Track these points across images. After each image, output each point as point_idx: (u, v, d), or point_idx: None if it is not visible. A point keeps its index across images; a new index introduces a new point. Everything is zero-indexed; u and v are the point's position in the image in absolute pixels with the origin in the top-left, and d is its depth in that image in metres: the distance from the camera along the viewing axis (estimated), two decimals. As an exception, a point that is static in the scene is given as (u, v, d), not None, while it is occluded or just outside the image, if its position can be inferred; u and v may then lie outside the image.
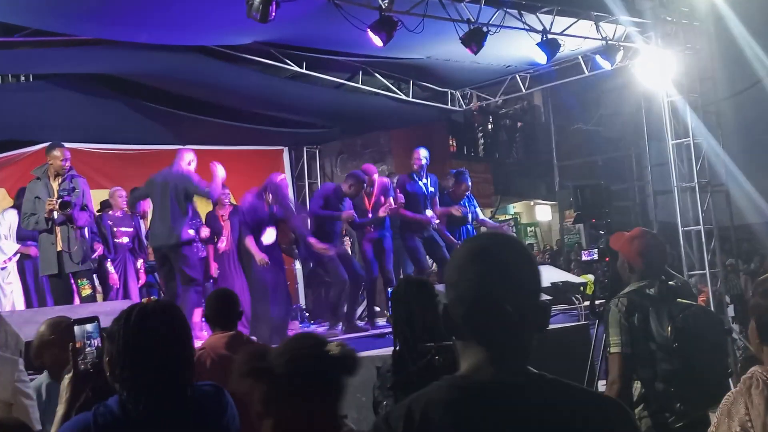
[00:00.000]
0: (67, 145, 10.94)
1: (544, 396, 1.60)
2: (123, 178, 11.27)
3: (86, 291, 7.85)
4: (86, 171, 10.13)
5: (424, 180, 9.93)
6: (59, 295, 7.84)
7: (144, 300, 2.46)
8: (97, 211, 9.91)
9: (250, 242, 8.72)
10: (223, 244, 9.85)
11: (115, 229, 9.67)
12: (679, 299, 3.74)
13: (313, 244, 8.88)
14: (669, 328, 3.62)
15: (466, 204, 10.46)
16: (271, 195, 8.84)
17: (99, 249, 9.31)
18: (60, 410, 2.53)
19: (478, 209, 10.71)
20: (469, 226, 10.51)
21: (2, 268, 9.33)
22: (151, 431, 2.29)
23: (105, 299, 9.48)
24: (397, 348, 3.76)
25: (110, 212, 9.82)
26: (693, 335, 3.61)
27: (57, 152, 7.89)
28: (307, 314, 11.43)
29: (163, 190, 8.51)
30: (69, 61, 9.27)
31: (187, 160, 8.69)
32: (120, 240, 9.70)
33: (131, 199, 9.38)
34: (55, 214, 7.66)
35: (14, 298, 9.30)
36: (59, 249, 7.73)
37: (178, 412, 2.34)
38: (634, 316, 3.72)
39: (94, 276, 9.53)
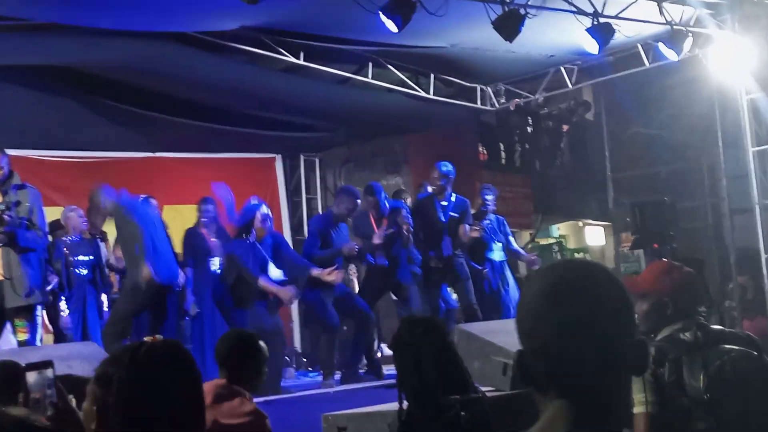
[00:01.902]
0: (10, 152, 11.05)
1: None
2: (81, 192, 11.28)
3: (22, 335, 7.69)
4: (34, 184, 10.16)
5: (444, 203, 9.97)
6: None
7: (147, 338, 2.44)
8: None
9: (265, 282, 8.87)
10: (215, 266, 9.88)
11: (71, 259, 9.64)
12: (725, 345, 3.67)
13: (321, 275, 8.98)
14: (702, 378, 3.59)
15: (495, 229, 10.50)
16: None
17: (54, 281, 9.31)
18: None
19: (511, 237, 10.72)
20: (495, 261, 10.54)
21: None
22: None
23: (57, 342, 9.48)
24: (404, 405, 3.70)
25: (64, 237, 9.80)
26: (732, 386, 3.56)
27: None
28: (305, 359, 11.42)
29: (159, 224, 8.94)
30: (14, 49, 9.29)
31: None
32: (78, 271, 9.67)
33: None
34: None
35: None
36: None
37: None
38: (663, 367, 3.68)
39: (43, 314, 9.54)
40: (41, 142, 11.49)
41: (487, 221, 10.52)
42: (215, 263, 9.89)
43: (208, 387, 4.62)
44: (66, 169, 11.83)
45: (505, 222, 10.88)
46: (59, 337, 9.56)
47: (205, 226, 10.18)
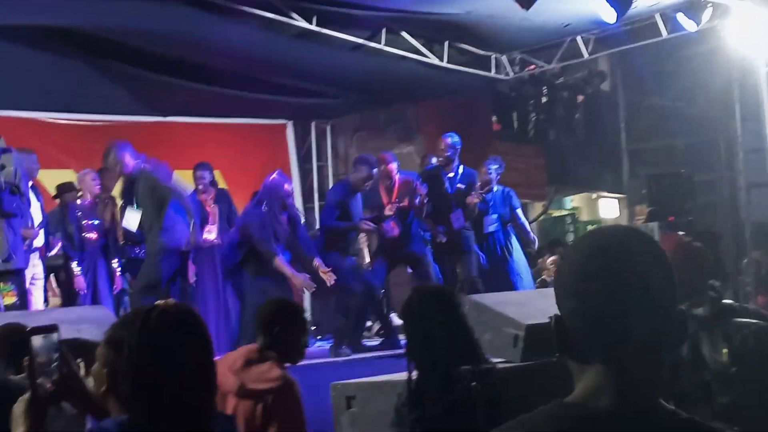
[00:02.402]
0: (19, 114, 11.07)
1: None
2: (89, 155, 11.31)
3: (9, 299, 7.60)
4: (43, 147, 10.20)
5: (451, 174, 9.99)
6: None
7: (158, 302, 2.46)
8: (54, 197, 9.92)
9: (281, 263, 8.84)
10: (212, 236, 9.89)
11: (84, 222, 9.69)
12: (739, 319, 3.68)
13: (319, 267, 8.96)
14: (725, 351, 3.59)
15: (497, 202, 10.50)
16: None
17: (57, 245, 9.35)
18: None
19: (519, 211, 10.70)
20: (499, 234, 10.54)
21: None
22: None
23: (65, 306, 9.54)
24: (413, 376, 3.69)
25: (79, 201, 9.84)
26: (755, 359, 3.56)
27: None
28: (314, 328, 11.46)
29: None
30: (22, 10, 9.29)
31: None
32: (88, 235, 9.71)
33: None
34: None
35: None
36: None
37: None
38: None
39: (51, 278, 9.60)
40: (52, 104, 11.51)
41: (490, 194, 10.55)
42: (212, 231, 9.91)
43: (240, 352, 4.67)
44: (76, 132, 11.84)
45: (512, 194, 10.84)
46: (67, 300, 9.61)
47: (202, 192, 10.21)
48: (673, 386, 3.61)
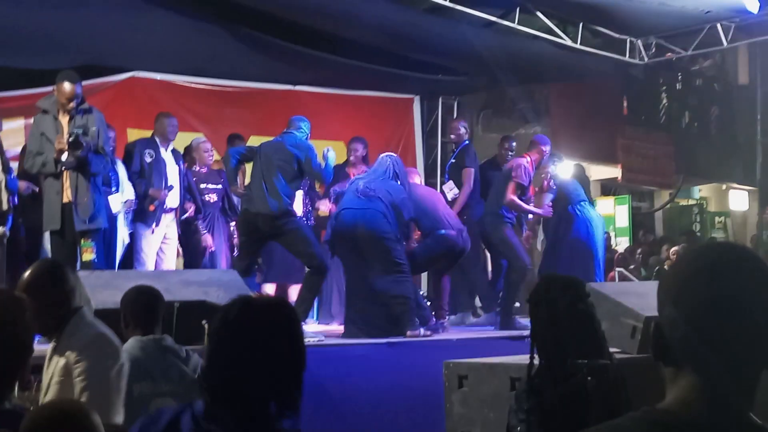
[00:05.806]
0: (156, 76, 11.34)
1: None
2: (219, 120, 11.57)
3: (88, 255, 7.62)
4: (176, 110, 10.42)
5: None
6: (61, 259, 7.45)
7: (254, 294, 2.50)
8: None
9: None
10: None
11: (202, 186, 9.94)
12: None
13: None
14: None
15: None
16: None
17: (190, 209, 9.60)
18: None
19: None
20: None
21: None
22: None
23: (186, 266, 9.79)
24: (535, 363, 3.71)
25: (194, 168, 10.09)
26: None
27: (65, 86, 7.65)
28: (428, 303, 11.51)
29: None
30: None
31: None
32: (208, 198, 9.98)
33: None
34: (65, 157, 7.50)
35: None
36: (66, 200, 7.62)
37: None
38: None
39: (175, 237, 9.86)
40: (183, 67, 11.68)
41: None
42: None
43: None
44: (206, 96, 12.01)
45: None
46: (190, 263, 9.85)
47: (353, 165, 10.39)
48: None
